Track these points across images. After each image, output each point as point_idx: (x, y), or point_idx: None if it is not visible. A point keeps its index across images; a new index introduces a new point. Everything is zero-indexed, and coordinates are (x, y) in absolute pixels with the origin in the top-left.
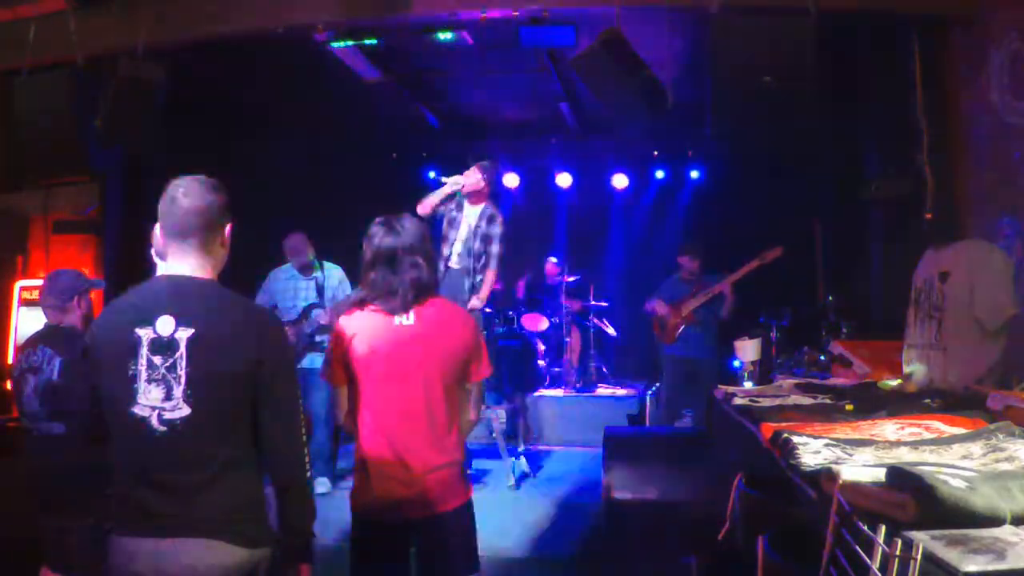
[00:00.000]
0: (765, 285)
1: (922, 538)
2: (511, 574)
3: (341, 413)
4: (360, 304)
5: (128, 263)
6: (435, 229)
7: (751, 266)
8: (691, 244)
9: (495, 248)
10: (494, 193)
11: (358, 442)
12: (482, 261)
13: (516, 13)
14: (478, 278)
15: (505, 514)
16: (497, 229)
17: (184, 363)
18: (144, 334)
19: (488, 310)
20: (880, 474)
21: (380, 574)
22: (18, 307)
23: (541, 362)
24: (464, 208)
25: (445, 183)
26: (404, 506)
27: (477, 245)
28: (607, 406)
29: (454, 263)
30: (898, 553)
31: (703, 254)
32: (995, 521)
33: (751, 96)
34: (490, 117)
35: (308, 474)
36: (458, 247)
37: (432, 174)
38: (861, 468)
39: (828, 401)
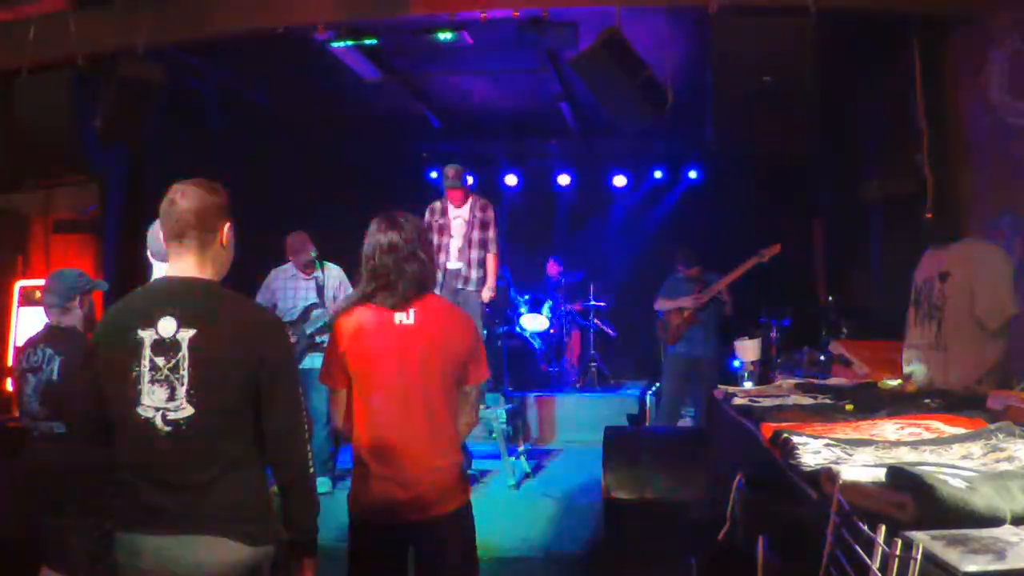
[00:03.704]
0: (765, 285)
1: (922, 538)
2: (511, 574)
3: (338, 417)
4: (360, 302)
5: (128, 263)
6: None
7: (749, 264)
8: (686, 250)
9: (492, 233)
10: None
11: (356, 443)
12: (484, 249)
13: (516, 13)
14: (480, 272)
15: (505, 514)
16: (491, 214)
17: (187, 363)
18: (147, 335)
19: (488, 310)
20: (880, 474)
21: None
22: (18, 307)
23: (541, 362)
24: (450, 210)
25: None
26: (402, 508)
27: (477, 234)
28: (607, 406)
29: (452, 263)
30: (898, 553)
31: (698, 258)
32: (995, 521)
33: (751, 96)
34: (490, 117)
35: (311, 470)
36: (457, 242)
37: (434, 174)
38: (861, 468)
39: (828, 401)
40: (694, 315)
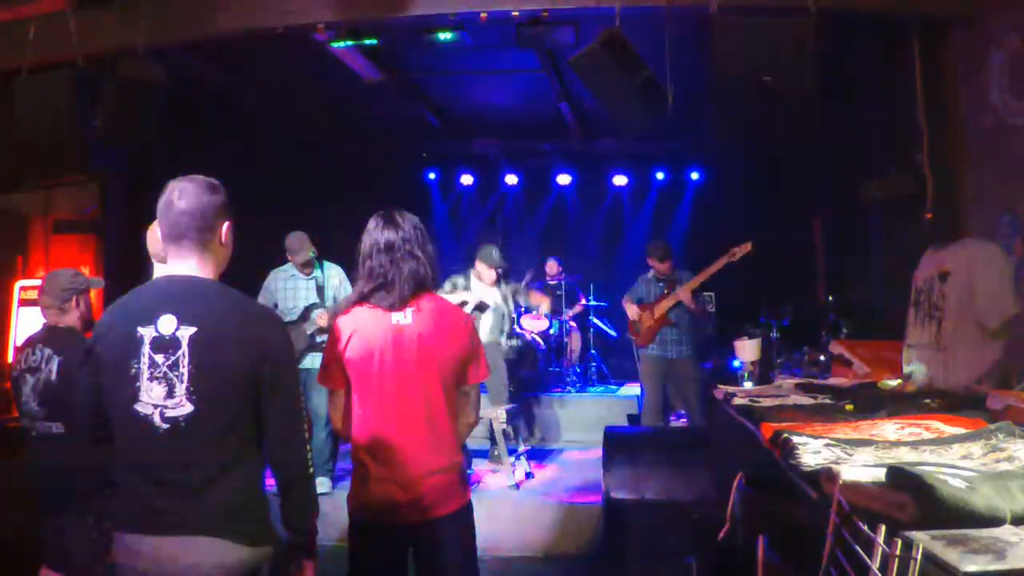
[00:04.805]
0: (765, 285)
1: (922, 538)
2: (511, 574)
3: (337, 416)
4: (358, 302)
5: (128, 263)
6: None
7: (719, 264)
8: (655, 246)
9: (523, 297)
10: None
11: (355, 444)
12: (510, 323)
13: (516, 13)
14: (509, 341)
15: (505, 514)
16: (512, 294)
17: (186, 361)
18: (146, 333)
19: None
20: (880, 474)
21: None
22: (18, 307)
23: (541, 362)
24: (473, 287)
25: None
26: (402, 510)
27: (506, 315)
28: (607, 406)
29: (485, 337)
30: (898, 553)
31: (669, 254)
32: (995, 521)
33: (751, 96)
34: (490, 117)
35: (311, 471)
36: (487, 321)
37: (432, 175)
38: (861, 468)
39: (828, 401)
40: (665, 316)
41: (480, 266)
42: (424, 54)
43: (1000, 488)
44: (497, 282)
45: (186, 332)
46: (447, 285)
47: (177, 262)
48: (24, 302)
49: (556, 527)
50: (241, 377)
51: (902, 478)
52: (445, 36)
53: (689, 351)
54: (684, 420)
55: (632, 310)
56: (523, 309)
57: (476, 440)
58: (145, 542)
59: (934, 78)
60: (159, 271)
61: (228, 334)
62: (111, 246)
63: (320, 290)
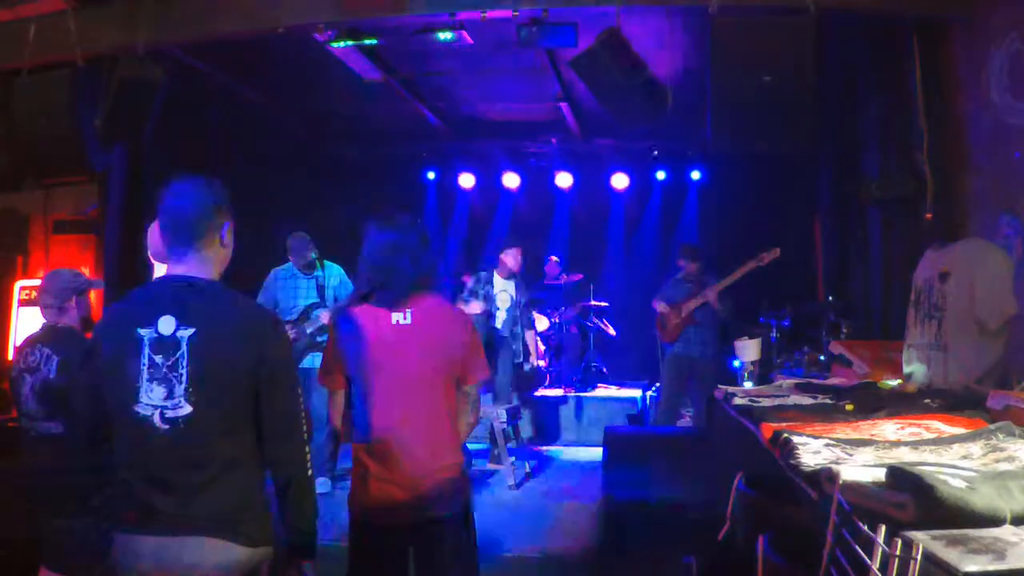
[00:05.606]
0: (765, 285)
1: (922, 538)
2: (511, 574)
3: (337, 417)
4: (357, 302)
5: (128, 263)
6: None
7: (747, 268)
8: (687, 247)
9: (533, 311)
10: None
11: (355, 444)
12: (521, 323)
13: (516, 13)
14: (521, 344)
15: (505, 514)
16: (529, 294)
17: (186, 362)
18: (146, 334)
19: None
20: (880, 474)
21: None
22: (18, 307)
23: (541, 362)
24: (496, 282)
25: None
26: (402, 509)
27: (520, 313)
28: (607, 406)
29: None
30: (898, 553)
31: (700, 256)
32: (995, 521)
33: (751, 96)
34: (490, 117)
35: (309, 472)
36: (502, 315)
37: (431, 175)
38: (861, 468)
39: (828, 401)
40: (691, 315)
41: (501, 258)
42: (424, 54)
43: (1000, 488)
44: (512, 275)
45: (185, 333)
46: (472, 280)
47: (177, 262)
48: (24, 302)
49: (556, 527)
50: (240, 378)
51: (902, 478)
52: (445, 36)
53: (712, 351)
54: (688, 420)
55: (661, 307)
56: None
57: (476, 440)
58: (145, 542)
59: (934, 78)
60: (159, 271)
61: (227, 335)
62: (111, 246)
63: (321, 290)
